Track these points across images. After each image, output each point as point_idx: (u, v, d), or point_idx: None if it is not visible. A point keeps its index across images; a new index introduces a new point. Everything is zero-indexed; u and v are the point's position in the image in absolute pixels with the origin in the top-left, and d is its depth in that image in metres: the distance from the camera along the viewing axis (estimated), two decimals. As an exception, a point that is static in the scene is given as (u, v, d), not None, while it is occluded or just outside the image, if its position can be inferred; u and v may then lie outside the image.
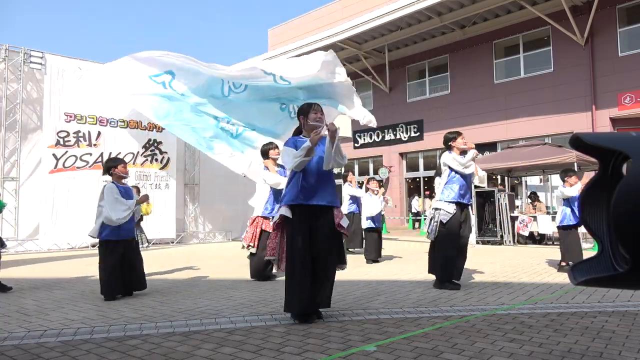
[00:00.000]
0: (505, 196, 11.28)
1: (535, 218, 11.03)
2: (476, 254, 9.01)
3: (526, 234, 11.10)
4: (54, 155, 10.57)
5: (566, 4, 14.42)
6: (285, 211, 3.68)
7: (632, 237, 1.18)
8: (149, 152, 12.03)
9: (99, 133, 11.23)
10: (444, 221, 5.01)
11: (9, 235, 10.22)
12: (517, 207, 12.94)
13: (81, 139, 10.98)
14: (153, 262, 8.18)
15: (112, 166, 5.14)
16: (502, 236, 11.13)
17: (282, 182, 5.40)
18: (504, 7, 16.06)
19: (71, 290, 5.39)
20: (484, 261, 7.76)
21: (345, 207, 8.88)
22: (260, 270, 5.88)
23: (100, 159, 11.09)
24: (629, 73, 14.21)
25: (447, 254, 5.03)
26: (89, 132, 11.09)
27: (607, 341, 3.05)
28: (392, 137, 20.20)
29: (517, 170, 12.56)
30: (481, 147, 17.20)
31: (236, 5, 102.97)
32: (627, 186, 1.18)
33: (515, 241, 11.17)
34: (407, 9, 16.25)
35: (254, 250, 5.83)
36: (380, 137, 20.41)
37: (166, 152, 12.33)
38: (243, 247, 6.22)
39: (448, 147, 5.29)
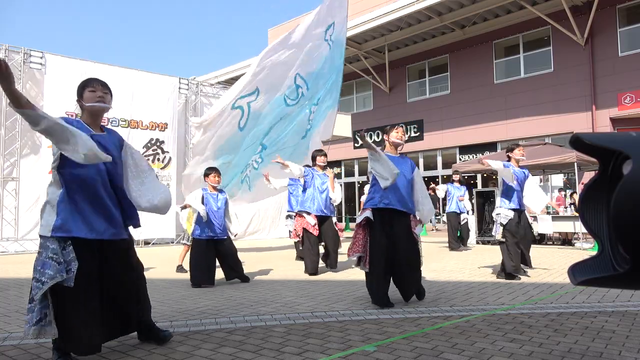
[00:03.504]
0: (505, 196, 11.26)
1: (535, 218, 11.02)
2: (476, 254, 9.01)
3: (526, 234, 11.09)
4: (54, 155, 10.56)
5: (566, 4, 14.42)
6: (368, 214, 4.26)
7: (632, 237, 1.18)
8: (150, 152, 12.03)
9: (99, 133, 11.21)
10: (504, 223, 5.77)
11: (9, 235, 10.23)
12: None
13: (81, 138, 10.97)
14: (153, 261, 8.18)
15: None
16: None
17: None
18: (504, 7, 16.06)
19: (71, 290, 5.38)
20: (484, 261, 7.76)
21: None
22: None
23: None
24: (629, 73, 14.21)
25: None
26: (89, 132, 11.07)
27: (607, 341, 3.04)
28: (392, 137, 20.19)
29: (517, 170, 12.54)
30: (481, 147, 17.25)
31: (236, 5, 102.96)
32: (627, 186, 1.18)
33: (515, 241, 11.14)
34: (407, 9, 16.26)
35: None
36: (381, 137, 20.40)
37: (168, 152, 12.34)
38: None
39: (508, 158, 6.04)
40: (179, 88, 12.88)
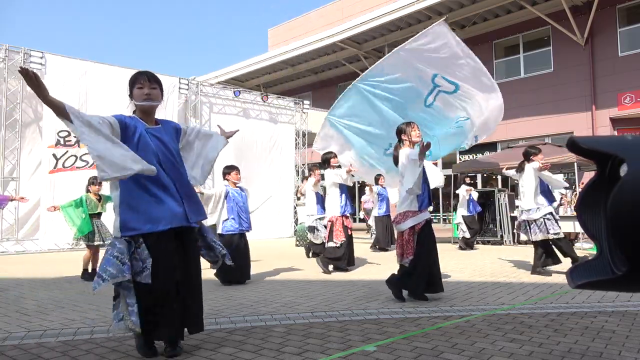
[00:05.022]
0: (505, 196, 11.27)
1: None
2: (476, 254, 9.02)
3: (526, 233, 11.10)
4: (54, 155, 10.57)
5: (566, 4, 14.42)
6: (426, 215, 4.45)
7: (630, 238, 1.19)
8: (149, 152, 12.02)
9: (100, 133, 11.21)
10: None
11: (9, 235, 10.24)
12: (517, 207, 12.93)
13: (82, 138, 10.97)
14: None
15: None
16: (502, 236, 11.13)
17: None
18: (504, 7, 16.05)
19: (71, 290, 5.39)
20: (484, 261, 7.77)
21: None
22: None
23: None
24: (629, 73, 14.21)
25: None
26: (89, 132, 11.07)
27: (607, 341, 3.05)
28: (392, 137, 20.17)
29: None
30: (481, 147, 17.23)
31: (236, 5, 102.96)
32: (623, 188, 1.18)
33: (516, 241, 11.17)
34: (407, 9, 16.25)
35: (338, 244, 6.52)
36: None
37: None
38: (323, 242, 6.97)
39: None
40: (179, 88, 12.87)
